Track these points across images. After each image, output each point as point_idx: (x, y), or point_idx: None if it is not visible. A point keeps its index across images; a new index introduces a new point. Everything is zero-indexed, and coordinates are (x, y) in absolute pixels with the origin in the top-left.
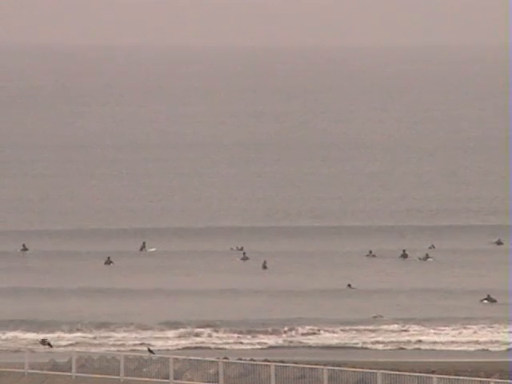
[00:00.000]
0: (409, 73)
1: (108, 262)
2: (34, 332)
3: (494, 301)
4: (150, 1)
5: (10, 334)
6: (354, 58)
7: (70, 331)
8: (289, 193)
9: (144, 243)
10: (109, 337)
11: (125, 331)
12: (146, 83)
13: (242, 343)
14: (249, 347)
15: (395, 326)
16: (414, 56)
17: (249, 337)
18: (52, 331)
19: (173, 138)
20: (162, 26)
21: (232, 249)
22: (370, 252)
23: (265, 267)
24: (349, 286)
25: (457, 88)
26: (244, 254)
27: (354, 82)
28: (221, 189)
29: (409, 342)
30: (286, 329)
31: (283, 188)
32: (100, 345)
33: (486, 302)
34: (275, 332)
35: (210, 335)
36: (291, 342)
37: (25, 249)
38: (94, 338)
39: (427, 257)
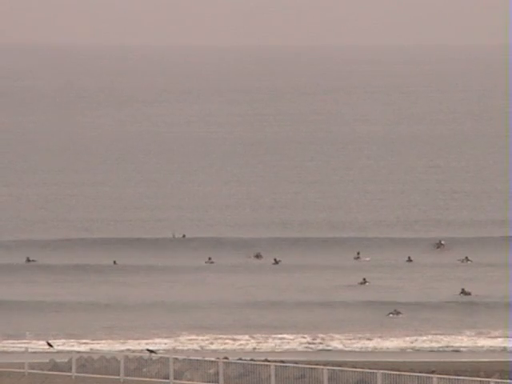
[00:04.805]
0: (408, 73)
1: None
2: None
3: (469, 294)
4: (151, 1)
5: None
6: (354, 57)
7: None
8: (295, 199)
9: (173, 233)
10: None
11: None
12: (145, 83)
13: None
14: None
15: (410, 324)
16: (414, 56)
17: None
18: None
19: (175, 140)
20: (162, 26)
21: (249, 257)
22: (358, 253)
23: (276, 263)
24: (364, 280)
25: (456, 88)
26: (259, 255)
27: (354, 82)
28: (222, 195)
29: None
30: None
31: (289, 194)
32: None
33: (461, 295)
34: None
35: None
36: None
37: (29, 260)
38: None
39: (467, 259)
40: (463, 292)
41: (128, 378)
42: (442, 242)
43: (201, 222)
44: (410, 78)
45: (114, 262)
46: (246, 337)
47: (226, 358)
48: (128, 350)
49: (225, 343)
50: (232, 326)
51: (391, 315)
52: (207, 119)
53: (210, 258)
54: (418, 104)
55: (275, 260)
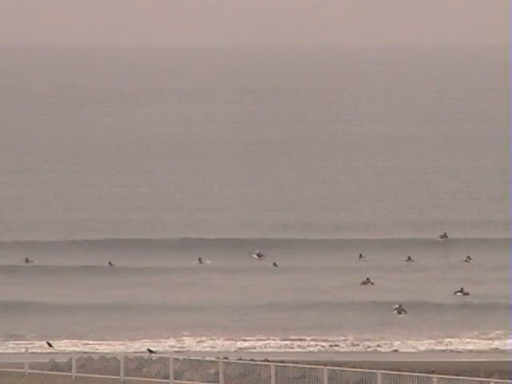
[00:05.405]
0: (409, 73)
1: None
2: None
3: (467, 294)
4: (150, 1)
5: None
6: (354, 57)
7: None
8: (297, 201)
9: (200, 258)
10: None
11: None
12: (146, 83)
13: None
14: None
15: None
16: (414, 56)
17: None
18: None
19: (176, 140)
20: (162, 26)
21: (252, 255)
22: (361, 255)
23: (276, 266)
24: (367, 279)
25: (457, 88)
26: (259, 255)
27: (355, 82)
28: (223, 195)
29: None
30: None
31: (290, 196)
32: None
33: (459, 294)
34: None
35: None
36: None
37: (28, 261)
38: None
39: (469, 259)
40: (464, 292)
41: (128, 377)
42: (447, 235)
43: (201, 223)
44: (411, 78)
45: (110, 263)
46: (247, 337)
47: (226, 357)
48: (129, 350)
49: (225, 343)
50: (232, 327)
51: (395, 311)
52: (208, 119)
53: (200, 259)
54: (418, 104)
55: (274, 264)
